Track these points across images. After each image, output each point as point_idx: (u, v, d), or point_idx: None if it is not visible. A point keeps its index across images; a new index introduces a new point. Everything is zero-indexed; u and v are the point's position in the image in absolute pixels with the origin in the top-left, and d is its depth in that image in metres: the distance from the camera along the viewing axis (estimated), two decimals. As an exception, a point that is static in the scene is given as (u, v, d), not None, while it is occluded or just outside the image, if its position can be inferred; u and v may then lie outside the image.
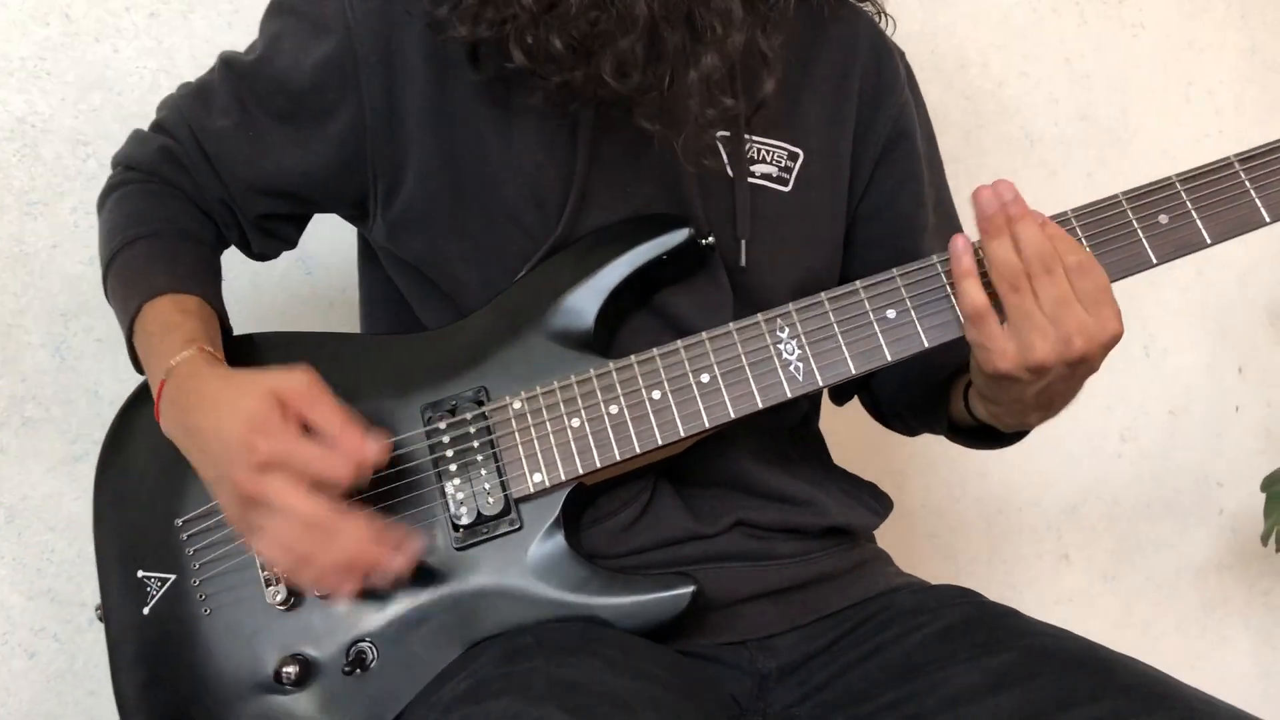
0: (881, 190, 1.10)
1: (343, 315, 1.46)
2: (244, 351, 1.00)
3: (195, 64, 1.37)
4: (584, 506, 0.96)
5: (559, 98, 0.92)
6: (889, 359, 0.91)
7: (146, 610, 0.95)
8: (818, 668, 0.98)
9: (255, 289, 1.42)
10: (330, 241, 1.36)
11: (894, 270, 0.92)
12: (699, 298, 1.00)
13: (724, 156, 1.00)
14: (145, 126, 1.08)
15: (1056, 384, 0.88)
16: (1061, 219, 0.91)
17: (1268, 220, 0.90)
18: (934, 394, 1.07)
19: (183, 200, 1.04)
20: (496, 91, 0.98)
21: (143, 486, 0.98)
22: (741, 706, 0.96)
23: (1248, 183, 0.90)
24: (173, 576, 0.95)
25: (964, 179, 1.72)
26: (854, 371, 0.91)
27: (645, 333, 0.99)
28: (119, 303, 0.99)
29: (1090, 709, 0.80)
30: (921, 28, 1.77)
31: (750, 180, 1.01)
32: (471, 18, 0.91)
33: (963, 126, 1.81)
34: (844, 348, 0.92)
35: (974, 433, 1.05)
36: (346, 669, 0.90)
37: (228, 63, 1.04)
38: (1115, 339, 0.86)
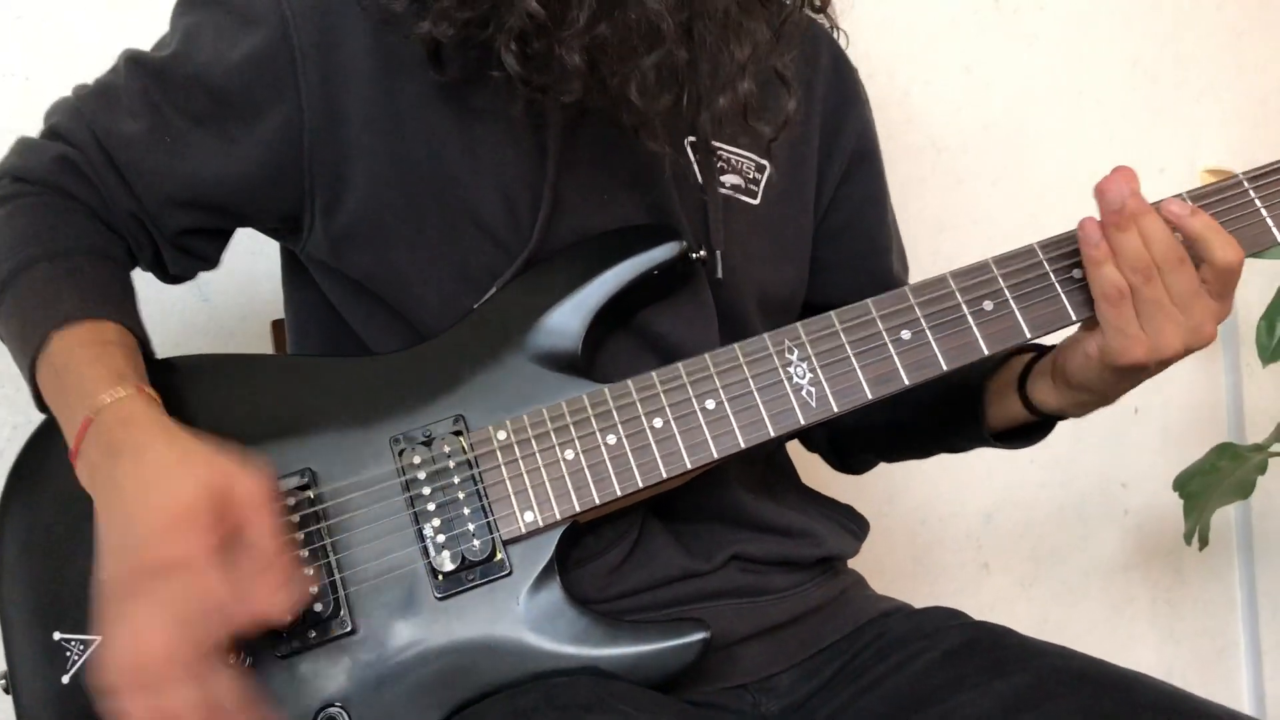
0: (845, 209, 1.06)
1: (244, 346, 1.31)
2: (177, 377, 0.87)
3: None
4: (571, 546, 0.87)
5: (545, 106, 0.84)
6: (906, 383, 0.85)
7: (65, 679, 0.81)
8: (819, 705, 0.92)
9: (146, 318, 1.27)
10: (227, 265, 1.22)
11: (906, 289, 0.87)
12: (682, 316, 0.93)
13: (694, 164, 0.93)
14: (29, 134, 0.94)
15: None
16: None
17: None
18: (954, 410, 1.02)
19: (86, 215, 0.89)
20: (453, 91, 0.88)
21: (56, 534, 0.84)
22: (749, 755, 0.89)
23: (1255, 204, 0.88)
24: (98, 638, 0.82)
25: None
26: (869, 397, 0.85)
27: (626, 355, 0.91)
28: (15, 336, 0.85)
29: None
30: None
31: (721, 190, 0.95)
32: (446, 17, 0.81)
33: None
34: (858, 371, 0.85)
35: (1022, 433, 0.99)
36: (314, 739, 0.79)
37: (135, 60, 0.91)
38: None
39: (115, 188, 0.89)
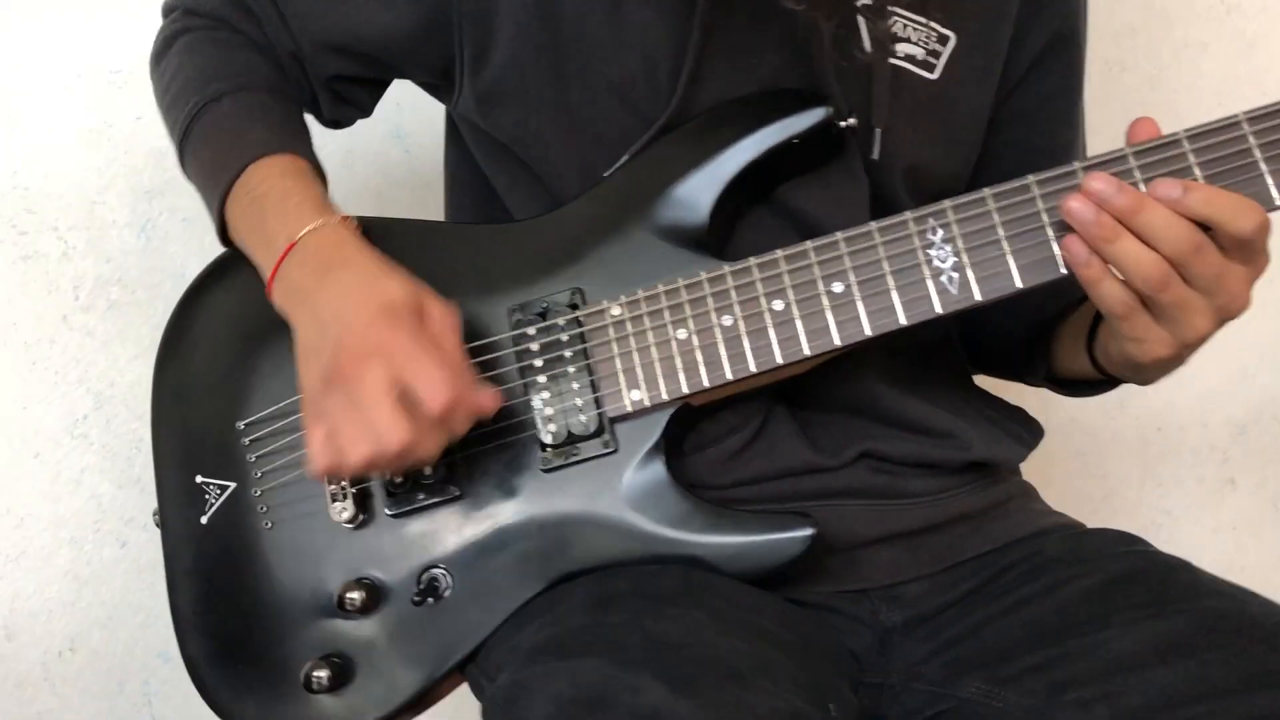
0: (1033, 94, 0.94)
1: (440, 199, 1.34)
2: None
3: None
4: (687, 430, 0.84)
5: None
6: (1062, 272, 0.75)
7: (204, 519, 0.87)
8: (949, 621, 0.85)
9: (348, 167, 1.31)
10: (429, 118, 1.23)
11: (1076, 163, 0.76)
12: (831, 193, 0.85)
13: (863, 30, 0.84)
14: None
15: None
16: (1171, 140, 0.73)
17: None
18: (1034, 337, 0.92)
19: (257, 52, 0.91)
20: None
21: (204, 384, 0.89)
22: (862, 664, 0.84)
23: None
24: (233, 485, 0.86)
25: (1144, 51, 1.51)
26: (1020, 285, 0.76)
27: (767, 231, 0.85)
28: (207, 168, 0.88)
29: None
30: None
31: (892, 61, 0.85)
32: None
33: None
34: (1009, 256, 0.76)
35: (1089, 384, 0.91)
36: (416, 598, 0.81)
37: None
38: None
39: (278, 27, 0.90)
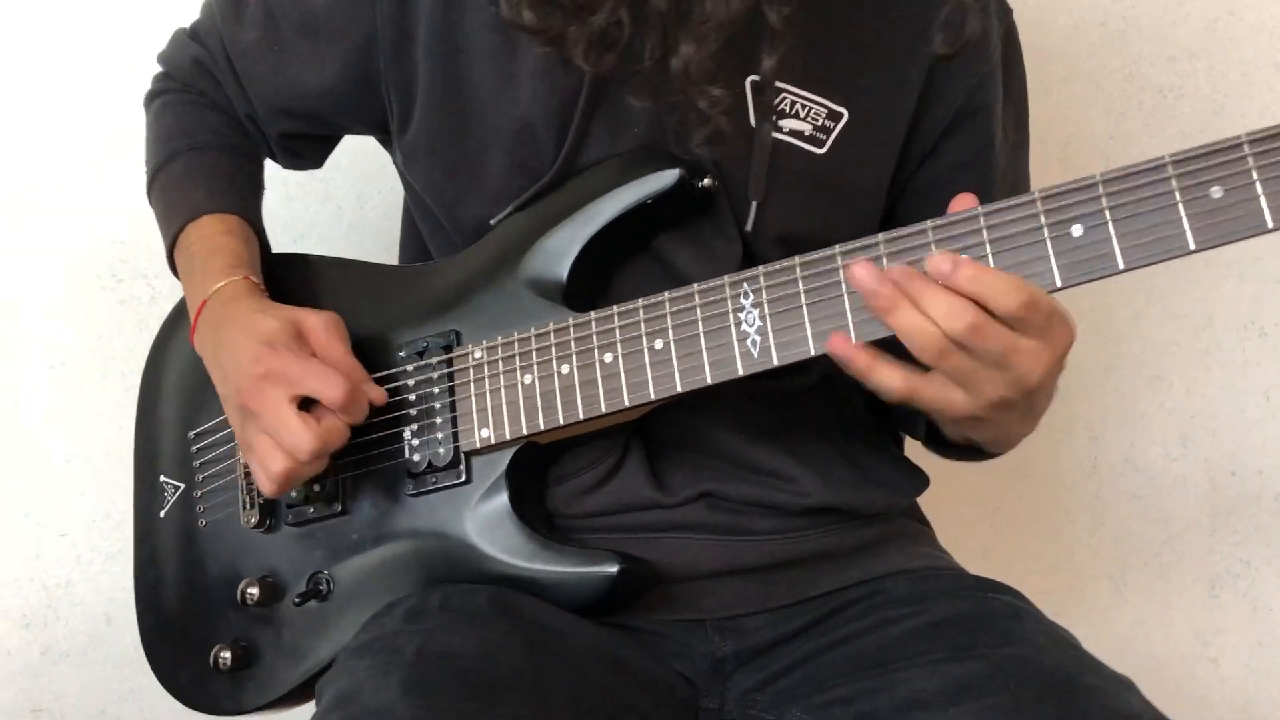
0: (943, 165, 0.95)
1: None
2: (277, 267, 1.02)
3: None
4: (547, 463, 0.92)
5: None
6: (853, 339, 0.78)
7: (162, 513, 1.02)
8: (783, 654, 0.89)
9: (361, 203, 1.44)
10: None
11: (879, 236, 0.78)
12: (703, 249, 0.90)
13: (750, 105, 0.89)
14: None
15: (1033, 399, 0.76)
16: (1085, 183, 0.73)
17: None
18: None
19: (218, 113, 1.05)
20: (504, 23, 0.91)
21: (170, 398, 1.04)
22: (699, 690, 0.90)
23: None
24: (183, 485, 1.01)
25: (1205, 76, 1.43)
26: (813, 352, 0.79)
27: (643, 281, 0.91)
28: (162, 217, 1.03)
29: None
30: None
31: (776, 136, 0.89)
32: None
33: (1207, 12, 1.49)
34: (806, 323, 0.79)
35: (958, 450, 0.92)
36: (298, 599, 0.93)
37: None
38: (1072, 341, 0.74)
39: (235, 90, 1.04)
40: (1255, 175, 0.69)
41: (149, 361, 1.08)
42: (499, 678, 0.76)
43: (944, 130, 0.94)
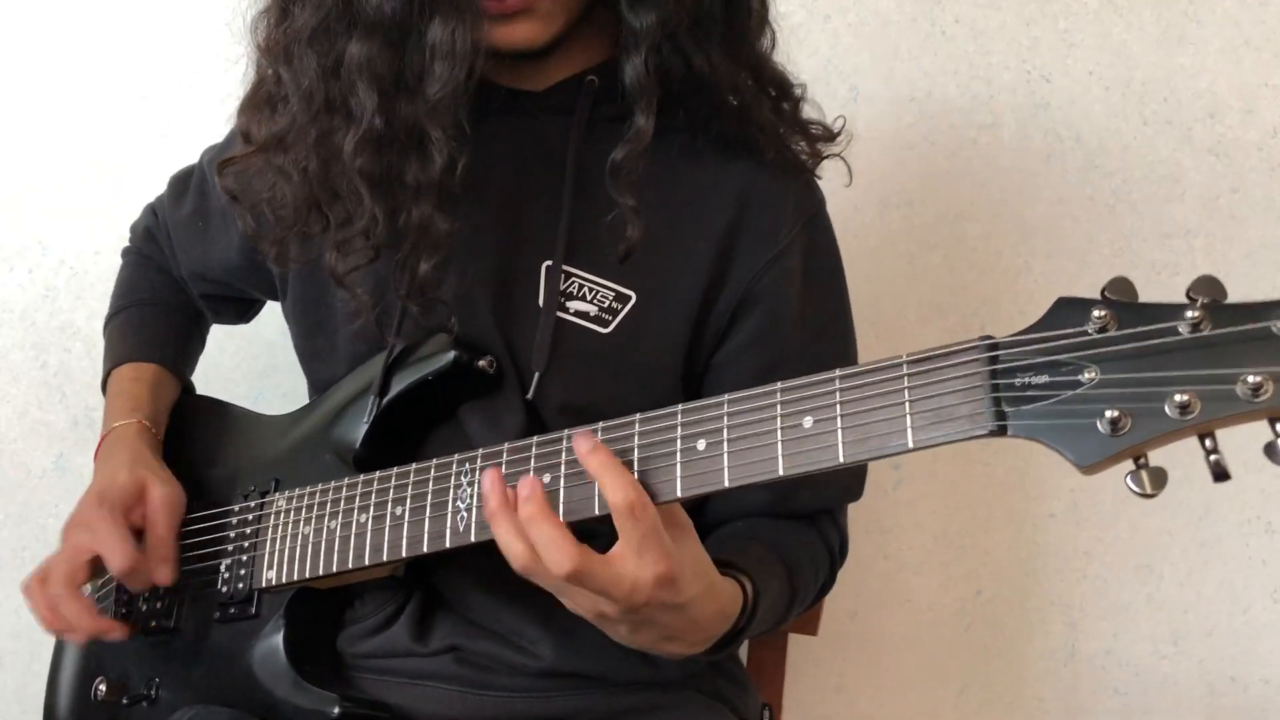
0: (734, 344, 1.01)
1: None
2: (181, 406, 1.19)
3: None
4: (336, 605, 1.02)
5: None
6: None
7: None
8: None
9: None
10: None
11: (565, 430, 0.84)
12: (492, 419, 0.99)
13: (541, 287, 0.97)
14: None
15: (648, 618, 0.78)
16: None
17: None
18: None
19: (163, 273, 1.24)
20: None
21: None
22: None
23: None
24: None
25: (1203, 254, 1.38)
26: (472, 540, 0.86)
27: (447, 444, 0.99)
28: (103, 363, 1.22)
29: None
30: (1148, 74, 1.42)
31: (561, 315, 0.97)
32: None
33: (1207, 190, 1.43)
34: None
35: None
36: (127, 700, 1.06)
37: (209, 149, 1.21)
38: (666, 576, 0.75)
39: (169, 256, 1.23)
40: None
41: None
42: None
43: (732, 313, 0.99)
